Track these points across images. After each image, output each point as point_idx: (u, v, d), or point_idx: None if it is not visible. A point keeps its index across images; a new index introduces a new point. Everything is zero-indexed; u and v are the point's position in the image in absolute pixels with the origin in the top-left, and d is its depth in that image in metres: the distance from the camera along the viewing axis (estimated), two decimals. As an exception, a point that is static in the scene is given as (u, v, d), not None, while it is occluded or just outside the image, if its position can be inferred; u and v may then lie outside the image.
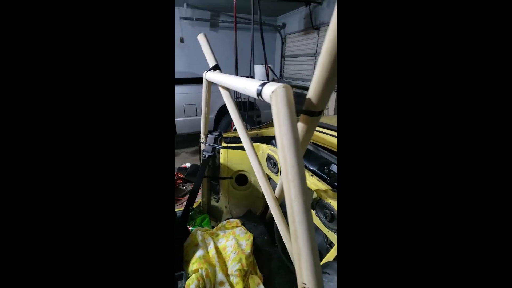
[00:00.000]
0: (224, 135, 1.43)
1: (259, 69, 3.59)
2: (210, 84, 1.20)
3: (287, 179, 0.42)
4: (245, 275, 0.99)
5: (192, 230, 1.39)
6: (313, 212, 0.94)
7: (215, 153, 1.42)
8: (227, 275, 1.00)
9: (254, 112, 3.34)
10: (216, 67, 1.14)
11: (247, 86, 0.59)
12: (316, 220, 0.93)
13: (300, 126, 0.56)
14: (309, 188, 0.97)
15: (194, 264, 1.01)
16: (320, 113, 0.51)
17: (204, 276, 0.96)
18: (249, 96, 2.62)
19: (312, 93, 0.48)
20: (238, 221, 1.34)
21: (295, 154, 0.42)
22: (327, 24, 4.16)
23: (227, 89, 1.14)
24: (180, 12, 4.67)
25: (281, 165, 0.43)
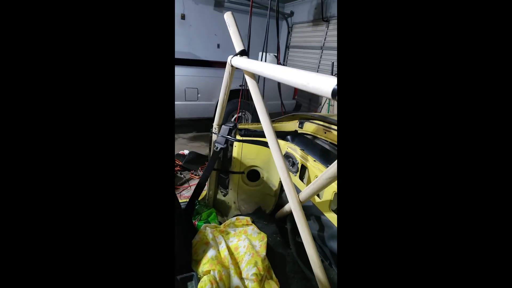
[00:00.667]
0: (240, 126, 1.33)
1: (270, 58, 3.44)
2: (234, 70, 1.09)
3: None
4: (261, 280, 0.94)
5: (198, 225, 1.31)
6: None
7: (228, 145, 1.32)
8: (241, 279, 0.94)
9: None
10: (243, 52, 1.02)
11: (314, 82, 0.49)
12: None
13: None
14: (335, 193, 0.91)
15: (206, 265, 0.94)
16: None
17: (218, 279, 0.90)
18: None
19: None
20: (248, 218, 1.27)
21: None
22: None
23: (254, 77, 1.03)
24: (183, -14, 4.36)
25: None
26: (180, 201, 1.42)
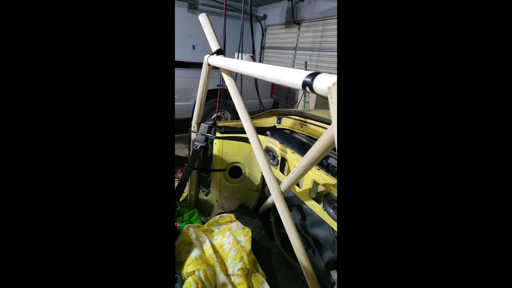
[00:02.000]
0: (219, 124, 1.33)
1: (246, 58, 3.47)
2: (211, 69, 1.09)
3: None
4: (247, 274, 0.94)
5: (180, 226, 1.27)
6: (320, 206, 0.93)
7: (208, 143, 1.31)
8: (227, 275, 0.93)
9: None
10: (219, 51, 1.03)
11: (286, 76, 0.52)
12: (324, 214, 0.92)
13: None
14: (316, 182, 0.95)
15: (190, 266, 0.92)
16: None
17: (203, 279, 0.89)
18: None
19: None
20: (232, 215, 1.27)
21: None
22: (309, 20, 4.19)
23: (231, 75, 1.04)
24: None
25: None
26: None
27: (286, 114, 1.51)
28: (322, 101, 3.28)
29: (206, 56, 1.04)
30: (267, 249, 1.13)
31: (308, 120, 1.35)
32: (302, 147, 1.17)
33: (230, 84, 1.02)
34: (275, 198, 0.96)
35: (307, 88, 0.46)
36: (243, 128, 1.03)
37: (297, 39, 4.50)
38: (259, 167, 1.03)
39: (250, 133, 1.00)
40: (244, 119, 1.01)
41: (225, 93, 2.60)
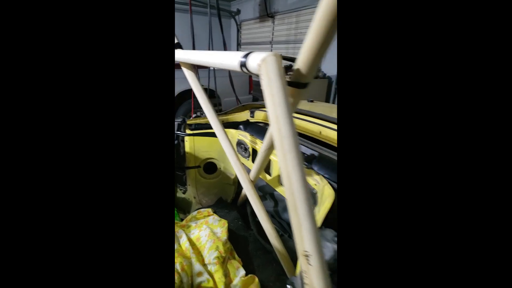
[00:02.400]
0: (188, 121, 1.34)
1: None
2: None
3: (283, 151, 0.41)
4: (223, 262, 0.97)
5: (158, 225, 1.28)
6: None
7: (179, 141, 1.32)
8: (204, 265, 0.96)
9: (215, 100, 3.22)
10: (177, 45, 1.03)
11: (226, 59, 0.54)
12: None
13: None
14: None
15: (167, 259, 0.94)
16: (306, 85, 0.51)
17: (180, 270, 0.91)
18: (209, 83, 2.51)
19: (302, 63, 0.47)
20: (209, 210, 1.29)
21: (289, 124, 0.41)
22: (282, 12, 4.22)
23: (194, 70, 1.05)
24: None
25: (275, 138, 0.42)
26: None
27: (258, 107, 1.54)
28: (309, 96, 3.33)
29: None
30: (244, 237, 1.17)
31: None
32: None
33: (190, 78, 1.03)
34: (245, 187, 0.99)
35: (244, 69, 0.48)
36: None
37: (272, 32, 4.53)
38: None
39: (216, 127, 1.03)
40: (209, 114, 1.03)
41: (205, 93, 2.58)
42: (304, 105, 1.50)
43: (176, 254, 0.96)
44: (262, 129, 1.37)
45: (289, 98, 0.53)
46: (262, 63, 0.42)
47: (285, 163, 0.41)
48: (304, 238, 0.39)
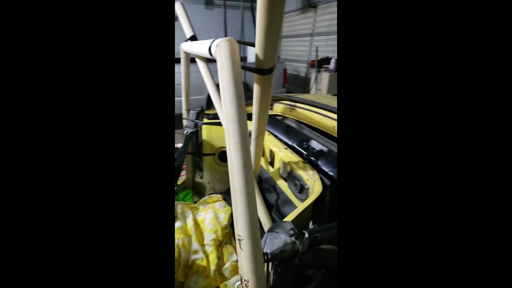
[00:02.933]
0: (206, 111, 1.42)
1: (253, 50, 3.49)
2: (188, 56, 1.17)
3: (228, 135, 0.41)
4: (220, 245, 1.02)
5: (174, 205, 1.41)
6: (286, 184, 0.95)
7: (198, 129, 1.41)
8: (202, 245, 1.03)
9: (251, 93, 3.27)
10: (193, 38, 1.09)
11: (202, 47, 0.57)
12: (289, 192, 0.94)
13: (256, 87, 0.55)
14: (282, 161, 0.97)
15: (172, 235, 1.04)
16: (271, 71, 0.49)
17: (180, 245, 0.99)
18: (245, 77, 2.57)
19: (259, 48, 0.46)
20: (219, 196, 1.35)
21: (237, 109, 0.41)
22: (325, 1, 3.98)
23: (204, 60, 1.10)
24: (172, -13, 4.47)
25: (223, 121, 0.43)
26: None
27: (277, 100, 1.53)
28: (334, 88, 3.14)
29: (180, 44, 1.12)
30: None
31: (297, 104, 1.35)
32: (287, 131, 1.19)
33: (202, 68, 1.07)
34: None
35: (210, 54, 0.50)
36: None
37: (314, 23, 4.33)
38: None
39: (222, 119, 1.07)
40: (217, 106, 1.07)
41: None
42: (324, 98, 1.42)
43: (180, 231, 1.05)
44: (277, 121, 1.36)
45: (258, 86, 0.53)
46: (216, 48, 0.43)
47: (229, 146, 0.42)
48: (238, 223, 0.40)
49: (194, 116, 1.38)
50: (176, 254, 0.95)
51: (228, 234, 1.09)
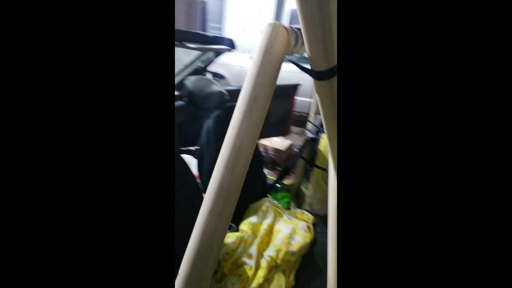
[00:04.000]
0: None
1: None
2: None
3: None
4: (275, 267, 0.89)
5: (268, 200, 1.41)
6: None
7: (318, 137, 1.26)
8: (259, 254, 0.94)
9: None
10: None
11: None
12: None
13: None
14: None
15: (244, 225, 1.05)
16: (329, 74, 0.30)
17: (243, 240, 0.98)
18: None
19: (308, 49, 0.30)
20: (311, 217, 1.17)
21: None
22: None
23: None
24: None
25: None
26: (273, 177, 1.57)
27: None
28: None
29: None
30: (318, 268, 0.94)
31: None
32: None
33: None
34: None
35: None
36: None
37: None
38: None
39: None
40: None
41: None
42: None
43: (250, 226, 1.03)
44: None
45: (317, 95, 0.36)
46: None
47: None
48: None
49: (319, 122, 1.24)
50: (234, 246, 0.95)
51: (291, 263, 0.92)
